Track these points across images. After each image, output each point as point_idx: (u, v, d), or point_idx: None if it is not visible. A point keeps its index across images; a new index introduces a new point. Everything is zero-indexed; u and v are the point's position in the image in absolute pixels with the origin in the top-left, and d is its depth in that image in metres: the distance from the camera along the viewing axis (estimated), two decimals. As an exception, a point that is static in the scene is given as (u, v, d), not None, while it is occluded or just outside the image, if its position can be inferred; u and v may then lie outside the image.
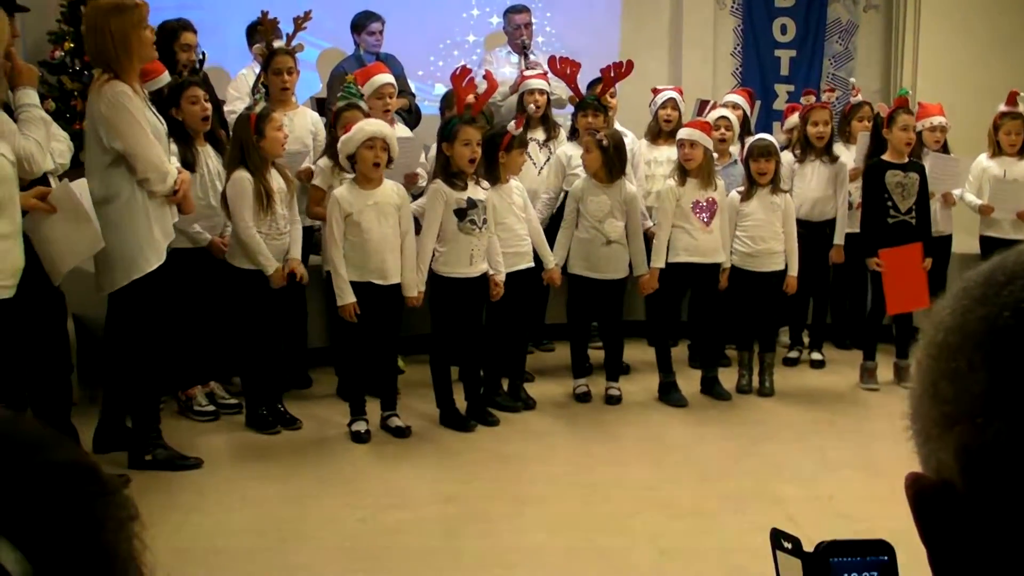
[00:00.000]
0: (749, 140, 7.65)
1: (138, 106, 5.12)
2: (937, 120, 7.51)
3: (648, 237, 6.74)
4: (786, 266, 6.82)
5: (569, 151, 6.97)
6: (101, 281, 5.27)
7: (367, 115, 6.28)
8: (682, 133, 6.66)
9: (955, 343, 0.81)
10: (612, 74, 7.04)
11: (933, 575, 0.85)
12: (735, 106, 7.69)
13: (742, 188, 6.83)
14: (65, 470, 0.84)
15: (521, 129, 6.46)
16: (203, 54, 6.70)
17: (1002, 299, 0.80)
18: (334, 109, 6.45)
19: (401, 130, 6.98)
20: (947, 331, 0.83)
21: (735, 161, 7.29)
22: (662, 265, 6.64)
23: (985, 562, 0.80)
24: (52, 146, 4.96)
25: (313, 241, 6.76)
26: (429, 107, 8.24)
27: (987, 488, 0.78)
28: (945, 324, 0.83)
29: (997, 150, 7.48)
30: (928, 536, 0.84)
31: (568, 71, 7.12)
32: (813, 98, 7.55)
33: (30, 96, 4.82)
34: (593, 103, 6.96)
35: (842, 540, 0.95)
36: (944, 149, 7.56)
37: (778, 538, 1.07)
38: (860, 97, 7.89)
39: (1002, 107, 7.48)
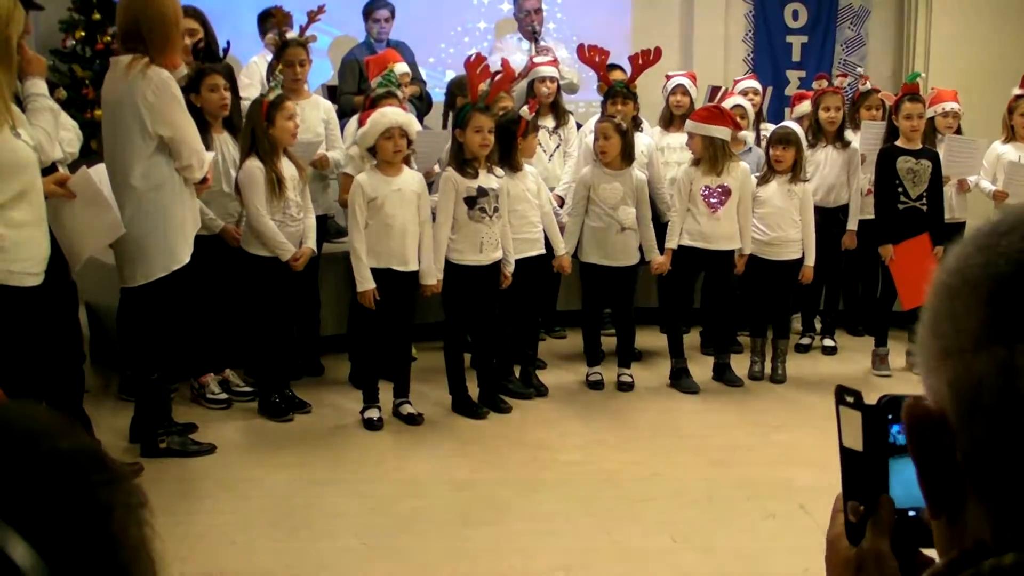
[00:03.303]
0: (764, 126, 7.66)
1: (179, 92, 5.14)
2: (950, 106, 7.48)
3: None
4: (802, 255, 6.80)
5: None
6: (135, 272, 5.21)
7: (402, 103, 6.30)
8: (687, 125, 6.68)
9: (955, 285, 0.89)
10: (640, 62, 7.02)
11: (922, 490, 0.93)
12: (755, 92, 7.69)
13: (760, 173, 6.83)
14: (71, 458, 0.84)
15: (534, 113, 6.45)
16: (228, 43, 6.69)
17: (1001, 248, 0.87)
18: (371, 96, 6.44)
19: (416, 121, 6.97)
20: (950, 274, 0.90)
21: (749, 149, 7.28)
22: (674, 246, 6.64)
23: (966, 480, 0.88)
24: (61, 135, 4.96)
25: (327, 228, 6.77)
26: (440, 94, 8.24)
27: (971, 415, 0.86)
28: (949, 268, 0.91)
29: (1011, 134, 7.43)
30: (919, 455, 0.93)
31: (597, 59, 7.10)
32: (825, 83, 7.53)
33: (38, 86, 4.82)
34: (622, 91, 6.94)
35: (902, 395, 0.99)
36: (958, 135, 7.53)
37: (841, 393, 1.16)
38: (869, 85, 7.85)
39: (1017, 90, 7.43)
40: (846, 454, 1.19)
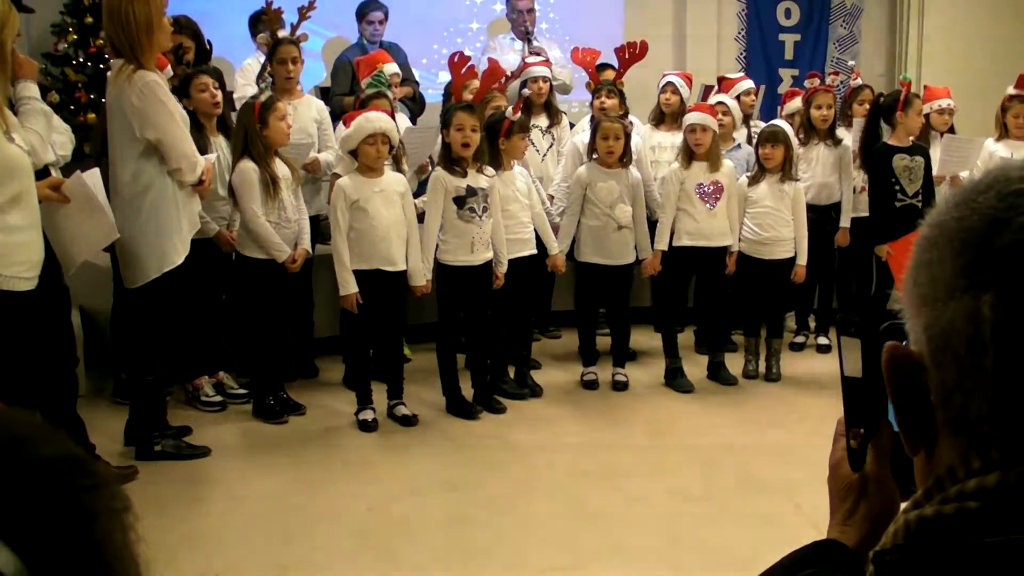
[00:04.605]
0: (755, 124, 7.66)
1: (169, 95, 5.14)
2: (945, 102, 7.52)
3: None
4: (795, 254, 6.80)
5: (586, 139, 6.88)
6: (130, 275, 5.24)
7: (392, 103, 6.30)
8: (692, 118, 6.63)
9: (933, 237, 0.96)
10: (626, 56, 7.00)
11: (899, 428, 1.02)
12: (747, 93, 7.69)
13: (750, 173, 6.83)
14: (54, 464, 0.84)
15: (519, 114, 6.42)
16: (209, 44, 6.70)
17: (976, 204, 0.93)
18: (361, 96, 6.44)
19: (403, 120, 6.97)
20: (930, 227, 0.97)
21: (738, 145, 7.28)
22: (664, 247, 6.64)
23: (937, 418, 0.96)
24: (53, 138, 4.96)
25: (320, 230, 6.76)
26: (433, 95, 8.24)
27: (942, 358, 0.93)
28: (931, 221, 0.97)
29: (1004, 133, 7.43)
30: (896, 394, 1.00)
31: (588, 59, 7.10)
32: (817, 81, 7.54)
33: (30, 89, 4.82)
34: (608, 86, 6.94)
35: (903, 322, 1.02)
36: (951, 132, 7.54)
37: (844, 324, 1.22)
38: (860, 80, 7.85)
39: (1011, 90, 7.43)
40: (847, 383, 1.24)
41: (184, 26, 6.41)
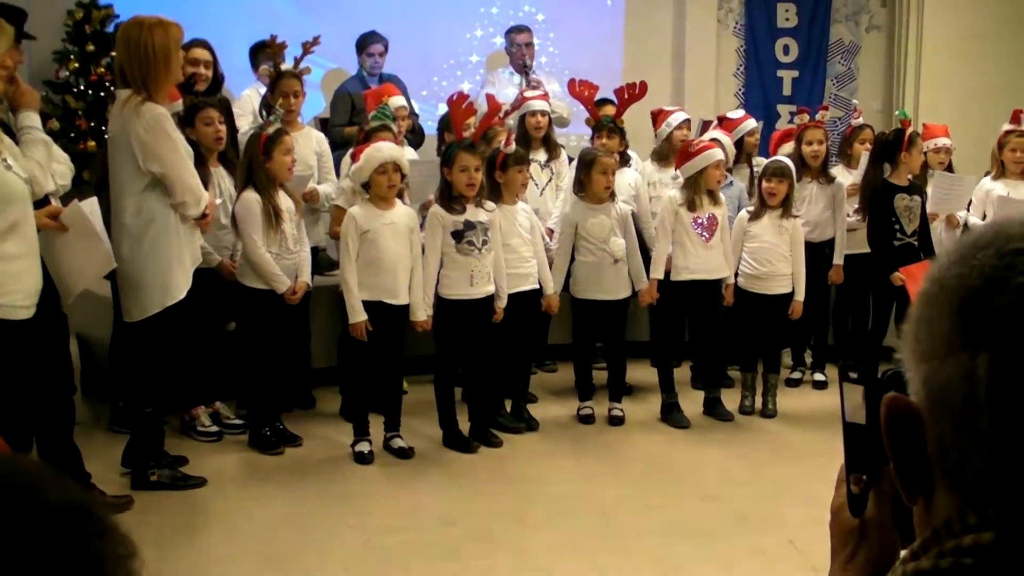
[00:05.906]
0: (756, 161, 7.67)
1: (175, 129, 5.15)
2: (942, 142, 7.54)
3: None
4: (792, 290, 6.81)
5: None
6: (131, 308, 5.22)
7: (396, 136, 6.32)
8: (718, 155, 6.57)
9: (934, 293, 0.97)
10: (626, 96, 7.03)
11: (895, 478, 1.02)
12: (750, 133, 7.70)
13: (751, 208, 6.85)
14: (61, 510, 0.84)
15: (512, 147, 6.40)
16: (222, 76, 6.72)
17: (975, 262, 0.94)
18: (366, 129, 6.46)
19: (410, 154, 6.98)
20: (931, 282, 0.98)
21: (731, 183, 7.28)
22: (660, 276, 6.63)
23: (934, 470, 0.97)
24: (53, 167, 4.96)
25: (318, 261, 6.77)
26: (432, 127, 8.26)
27: (939, 414, 0.94)
28: (932, 276, 0.98)
29: (1001, 170, 7.44)
30: (893, 445, 1.01)
31: (586, 93, 7.12)
32: (807, 117, 7.54)
33: (32, 118, 4.83)
34: (608, 125, 6.96)
35: (904, 371, 1.03)
36: (948, 171, 7.56)
37: (846, 370, 1.23)
38: (861, 119, 7.87)
39: (1006, 126, 7.46)
40: (849, 429, 1.25)
41: (200, 43, 6.43)
